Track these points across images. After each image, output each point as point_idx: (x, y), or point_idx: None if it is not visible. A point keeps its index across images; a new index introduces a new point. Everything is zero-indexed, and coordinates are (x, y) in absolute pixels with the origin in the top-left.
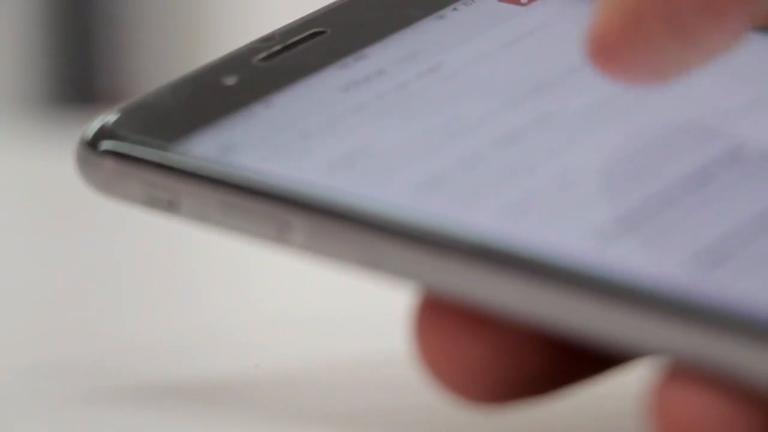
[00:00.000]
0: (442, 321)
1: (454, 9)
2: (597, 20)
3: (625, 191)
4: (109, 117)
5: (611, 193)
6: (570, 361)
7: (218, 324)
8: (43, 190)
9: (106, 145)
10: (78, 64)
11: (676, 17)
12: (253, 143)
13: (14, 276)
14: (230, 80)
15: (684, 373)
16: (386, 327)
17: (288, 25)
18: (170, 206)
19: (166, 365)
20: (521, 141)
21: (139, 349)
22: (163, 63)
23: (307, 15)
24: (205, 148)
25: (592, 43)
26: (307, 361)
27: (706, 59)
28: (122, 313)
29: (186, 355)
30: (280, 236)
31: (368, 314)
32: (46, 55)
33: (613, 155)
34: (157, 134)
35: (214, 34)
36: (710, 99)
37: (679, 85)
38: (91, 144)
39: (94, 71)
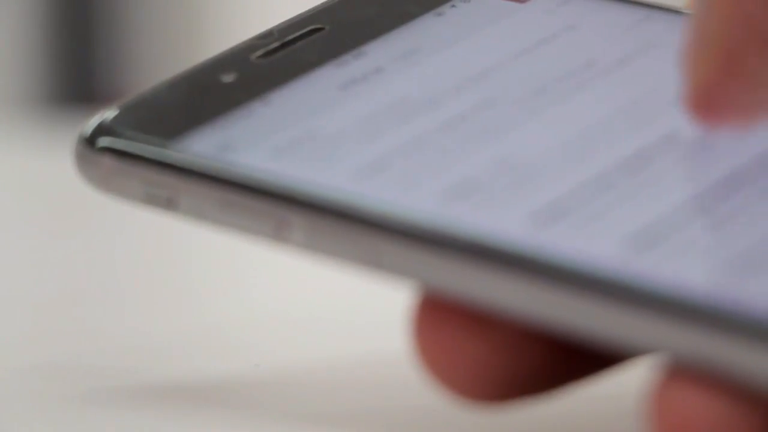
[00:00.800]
0: (442, 320)
1: (453, 6)
2: (694, 68)
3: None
4: (107, 114)
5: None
6: (570, 360)
7: (218, 324)
8: (43, 190)
9: (104, 142)
10: (78, 64)
11: None
12: (251, 141)
13: (14, 276)
14: (228, 77)
15: (684, 373)
16: (386, 327)
17: (286, 21)
18: (169, 204)
19: (166, 365)
20: (469, 126)
21: (139, 349)
22: (163, 63)
23: (306, 12)
24: (204, 146)
25: (694, 99)
26: (307, 361)
27: None
28: (122, 313)
29: (186, 355)
30: (279, 234)
31: (368, 314)
32: (46, 55)
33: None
34: (156, 131)
35: (214, 34)
36: (649, 84)
37: (619, 72)
38: (89, 141)
39: (94, 71)
